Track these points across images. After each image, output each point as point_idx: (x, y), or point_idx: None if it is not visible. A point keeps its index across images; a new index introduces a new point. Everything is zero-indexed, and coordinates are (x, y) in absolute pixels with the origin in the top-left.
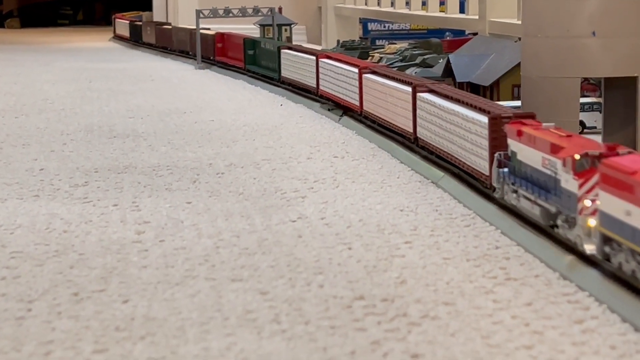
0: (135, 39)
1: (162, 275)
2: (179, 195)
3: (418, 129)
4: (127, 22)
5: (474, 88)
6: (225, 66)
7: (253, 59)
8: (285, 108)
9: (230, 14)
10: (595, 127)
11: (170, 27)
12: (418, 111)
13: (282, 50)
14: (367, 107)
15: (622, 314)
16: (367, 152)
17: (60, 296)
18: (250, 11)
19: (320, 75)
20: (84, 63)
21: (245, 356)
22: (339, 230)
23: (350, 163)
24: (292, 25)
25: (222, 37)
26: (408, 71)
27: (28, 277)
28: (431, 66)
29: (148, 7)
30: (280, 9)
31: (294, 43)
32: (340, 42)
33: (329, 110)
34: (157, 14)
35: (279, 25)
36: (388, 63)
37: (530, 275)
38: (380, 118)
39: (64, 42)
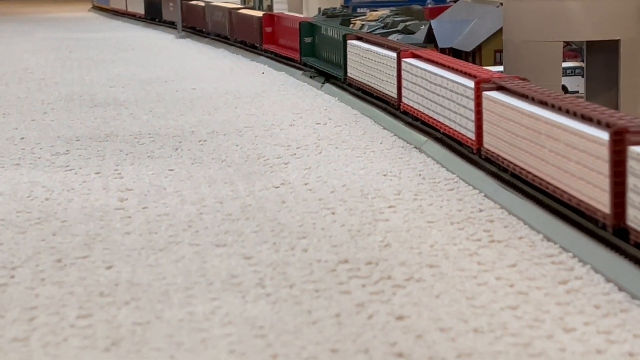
0: (152, 16)
1: (145, 241)
2: (161, 163)
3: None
4: None
5: (456, 54)
6: (275, 57)
7: (311, 50)
8: (267, 76)
9: None
10: (577, 92)
11: (202, 4)
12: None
13: (350, 42)
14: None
15: (606, 274)
16: (350, 119)
17: (43, 263)
18: None
19: (405, 82)
20: (63, 33)
21: (230, 320)
22: (323, 196)
23: (333, 129)
24: None
25: (271, 19)
26: (390, 37)
27: (10, 244)
28: (413, 32)
29: None
30: None
31: (275, 10)
32: (322, 10)
33: (311, 77)
34: None
35: None
36: (370, 30)
37: (514, 237)
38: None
39: (43, 12)
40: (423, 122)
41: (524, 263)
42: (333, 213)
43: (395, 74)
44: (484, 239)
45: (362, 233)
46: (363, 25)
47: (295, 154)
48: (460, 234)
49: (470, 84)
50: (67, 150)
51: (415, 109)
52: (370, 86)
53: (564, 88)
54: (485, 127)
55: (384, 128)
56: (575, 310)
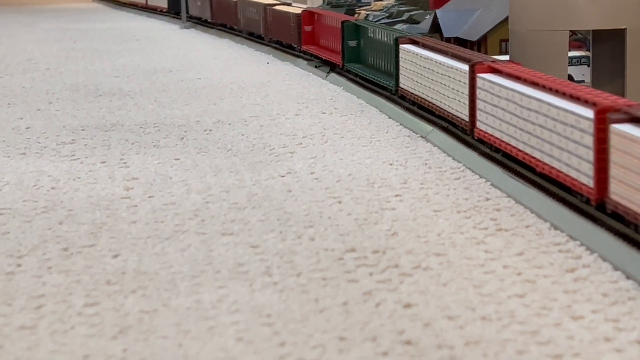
0: (177, 11)
1: (151, 230)
2: (167, 152)
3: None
4: None
5: (461, 43)
6: (314, 58)
7: (356, 54)
8: (272, 66)
9: None
10: (583, 81)
11: None
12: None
13: (403, 47)
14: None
15: (614, 262)
16: (355, 108)
17: (50, 251)
18: None
19: (481, 104)
20: (67, 24)
21: (237, 307)
22: (329, 185)
23: (339, 119)
24: None
25: (311, 16)
26: (396, 27)
27: (17, 232)
28: (418, 22)
29: None
30: None
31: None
32: (326, 0)
33: (316, 67)
34: None
35: None
36: (375, 20)
37: (521, 226)
38: None
39: (47, 3)
40: (508, 156)
41: (531, 251)
42: (339, 202)
43: (466, 91)
44: (491, 228)
45: (369, 222)
46: (368, 14)
47: (301, 144)
48: (467, 223)
49: (589, 113)
50: (73, 140)
51: (498, 139)
52: (429, 102)
53: (570, 77)
54: (612, 172)
55: (390, 117)
56: (583, 298)
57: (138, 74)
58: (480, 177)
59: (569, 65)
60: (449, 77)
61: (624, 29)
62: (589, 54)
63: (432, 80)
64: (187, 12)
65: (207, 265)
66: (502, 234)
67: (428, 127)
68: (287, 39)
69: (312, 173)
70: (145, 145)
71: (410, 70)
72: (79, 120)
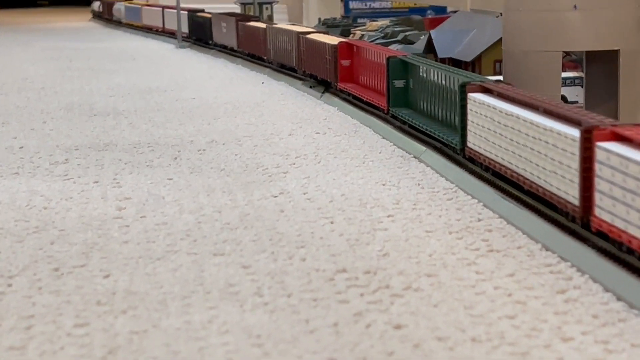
0: (198, 37)
1: (143, 250)
2: (160, 172)
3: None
4: (184, 12)
5: (456, 64)
6: (352, 100)
7: (404, 97)
8: (267, 86)
9: None
10: (577, 102)
11: (263, 25)
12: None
13: (472, 96)
14: None
15: (605, 283)
16: (349, 128)
17: (40, 271)
18: None
19: (601, 184)
20: (64, 42)
21: (227, 329)
22: (321, 205)
23: (332, 139)
24: (273, 4)
25: (349, 49)
26: (390, 47)
27: (8, 253)
28: (413, 43)
29: None
30: None
31: (274, 21)
32: (322, 20)
33: (310, 87)
34: None
35: (260, 4)
36: (370, 40)
37: (512, 247)
38: None
39: (43, 22)
40: None
41: (522, 272)
42: (332, 222)
43: (576, 165)
44: (483, 249)
45: (361, 242)
46: (363, 35)
47: (294, 164)
48: (458, 244)
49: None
50: (66, 160)
51: (631, 236)
52: (515, 173)
53: (564, 98)
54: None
55: (383, 137)
56: (573, 320)
57: (133, 93)
58: (473, 197)
59: (562, 86)
60: (545, 142)
61: (618, 51)
62: (582, 74)
63: (518, 144)
64: (210, 40)
65: (198, 285)
66: (493, 255)
67: (421, 148)
68: (323, 73)
69: (304, 193)
70: (138, 165)
71: (483, 127)
72: (73, 139)
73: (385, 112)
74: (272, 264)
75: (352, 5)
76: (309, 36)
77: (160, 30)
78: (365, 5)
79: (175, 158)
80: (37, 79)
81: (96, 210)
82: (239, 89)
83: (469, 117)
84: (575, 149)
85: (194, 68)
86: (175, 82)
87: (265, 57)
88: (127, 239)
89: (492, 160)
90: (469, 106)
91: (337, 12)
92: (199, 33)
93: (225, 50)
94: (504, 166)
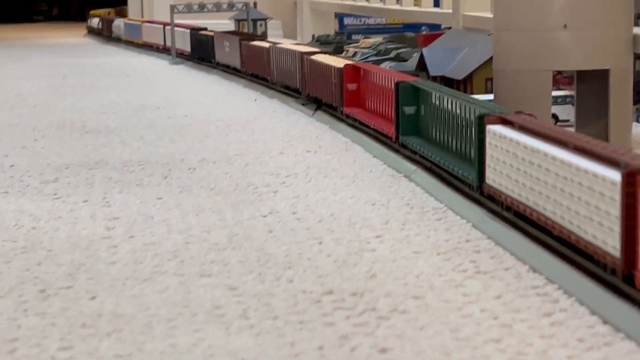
0: (200, 57)
1: (130, 271)
2: (150, 191)
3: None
4: (187, 30)
5: (447, 82)
6: (358, 123)
7: (414, 124)
8: (259, 103)
9: (205, 9)
10: (568, 120)
11: (267, 45)
12: None
13: (492, 128)
14: None
15: (591, 306)
16: (340, 147)
17: (26, 293)
18: (225, 6)
19: None
20: (58, 59)
21: (212, 352)
22: (310, 225)
23: (323, 157)
24: (267, 20)
25: (356, 72)
26: (382, 65)
27: None
28: (405, 60)
29: (123, 3)
30: (255, 4)
31: (269, 38)
32: (316, 36)
33: (302, 105)
34: (132, 10)
35: (254, 20)
36: (363, 57)
37: (500, 269)
38: None
39: (38, 37)
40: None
41: (509, 295)
42: (320, 243)
43: (616, 212)
44: (470, 270)
45: (348, 263)
46: (356, 52)
47: (284, 183)
48: (446, 265)
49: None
50: (56, 178)
51: None
52: (542, 216)
53: (555, 117)
54: None
55: (374, 156)
56: (558, 344)
57: (125, 111)
58: (462, 217)
59: (553, 105)
60: (579, 184)
61: (608, 70)
62: (573, 93)
63: (546, 184)
64: (213, 59)
65: (184, 307)
66: (481, 276)
67: (411, 167)
68: (328, 97)
69: (294, 213)
70: (128, 184)
71: (504, 162)
72: (64, 158)
73: (394, 140)
74: (259, 285)
75: (346, 21)
76: (313, 57)
77: (161, 47)
78: (360, 21)
79: (166, 177)
80: (30, 96)
81: (85, 230)
82: (232, 106)
83: (488, 151)
84: (616, 194)
85: (187, 85)
86: (168, 99)
87: (268, 78)
88: (115, 259)
89: (516, 200)
90: (487, 139)
91: (331, 28)
92: (202, 52)
93: (228, 70)
94: (529, 207)
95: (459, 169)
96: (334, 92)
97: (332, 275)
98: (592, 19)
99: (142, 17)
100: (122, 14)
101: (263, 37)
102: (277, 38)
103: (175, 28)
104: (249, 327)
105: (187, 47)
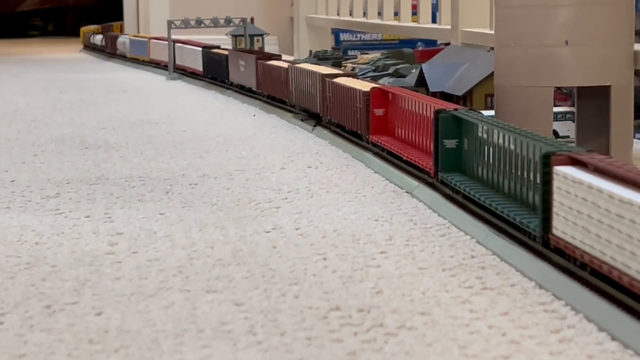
0: (213, 76)
1: (135, 287)
2: (152, 206)
3: None
4: (199, 48)
5: (447, 97)
6: (386, 153)
7: (456, 159)
8: (258, 118)
9: (202, 25)
10: (568, 137)
11: (285, 65)
12: None
13: (560, 170)
14: None
15: (599, 323)
16: (341, 162)
17: (32, 309)
18: (222, 21)
19: None
20: (54, 74)
21: None
22: (314, 241)
23: (324, 173)
24: (264, 36)
25: (384, 96)
26: (381, 81)
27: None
28: (404, 76)
29: (118, 18)
30: (252, 20)
31: (266, 50)
32: (313, 52)
33: (302, 120)
34: (128, 25)
35: (251, 36)
36: (361, 73)
37: (506, 285)
38: None
39: (34, 52)
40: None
41: (517, 311)
42: (324, 259)
43: None
44: (476, 286)
45: (354, 279)
46: (354, 67)
47: (286, 198)
48: (452, 281)
49: None
50: (57, 194)
51: None
52: (634, 280)
53: (555, 133)
54: None
55: (375, 172)
56: None
57: (124, 126)
58: (466, 234)
59: (554, 121)
60: None
61: (609, 86)
62: (574, 109)
63: (631, 238)
64: (226, 78)
65: (190, 323)
66: (487, 292)
67: (414, 183)
68: (352, 123)
69: (297, 229)
70: (130, 199)
71: (578, 212)
72: (64, 173)
73: (432, 176)
74: (265, 301)
75: (342, 37)
76: (336, 80)
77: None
78: (356, 37)
79: (167, 192)
80: (28, 111)
81: (88, 245)
82: (230, 121)
83: (556, 197)
84: None
85: (185, 100)
86: (167, 114)
87: (287, 101)
88: (119, 275)
89: (594, 257)
90: (555, 183)
91: (328, 44)
92: (215, 71)
93: (242, 91)
94: (614, 268)
95: (516, 214)
96: (359, 118)
97: (338, 291)
98: (593, 35)
99: (138, 32)
100: (108, 30)
101: (280, 56)
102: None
103: (186, 46)
104: (256, 343)
105: (198, 66)
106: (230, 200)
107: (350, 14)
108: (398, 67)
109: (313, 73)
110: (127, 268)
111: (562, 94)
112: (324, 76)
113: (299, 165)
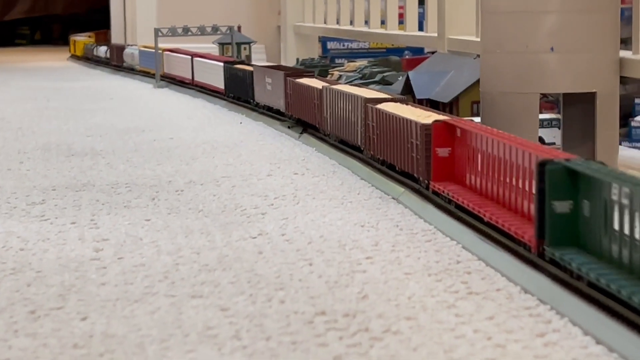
0: (237, 94)
1: (121, 292)
2: (137, 213)
3: None
4: (220, 63)
5: (433, 104)
6: (460, 211)
7: (571, 229)
8: (245, 125)
9: (189, 33)
10: (554, 143)
11: (320, 86)
12: None
13: None
14: None
15: (584, 327)
16: (328, 169)
17: (17, 314)
18: (209, 29)
19: None
20: (41, 82)
21: None
22: (300, 247)
23: (311, 180)
24: (251, 44)
25: (449, 131)
26: (369, 88)
27: None
28: (391, 83)
29: (106, 26)
30: (239, 28)
31: (253, 62)
32: (300, 60)
33: (288, 127)
34: (115, 34)
35: (238, 44)
36: (348, 81)
37: (491, 289)
38: None
39: (21, 61)
40: None
41: (502, 315)
42: (310, 264)
43: None
44: (462, 291)
45: (340, 284)
46: (341, 75)
47: (272, 204)
48: (437, 286)
49: None
50: (43, 200)
51: None
52: None
53: (541, 140)
54: None
55: (362, 179)
56: None
57: (111, 133)
58: (452, 239)
59: (540, 128)
60: None
61: (594, 93)
62: (559, 116)
63: None
64: (251, 97)
65: (176, 328)
66: (472, 297)
67: (400, 189)
68: (405, 164)
69: (283, 234)
70: (116, 205)
71: None
72: (50, 180)
73: (535, 250)
74: (251, 306)
75: (329, 45)
76: (381, 107)
77: (189, 82)
78: (343, 45)
79: (153, 199)
80: (15, 119)
81: (73, 251)
82: (218, 128)
83: None
84: None
85: (172, 108)
86: (154, 122)
87: (319, 127)
88: (105, 280)
89: None
90: None
91: (315, 52)
92: (237, 90)
93: (270, 112)
94: None
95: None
96: (416, 158)
97: (324, 296)
98: (579, 42)
99: (125, 41)
100: (102, 37)
101: (312, 73)
102: (260, 62)
103: (206, 60)
104: (241, 347)
105: (219, 84)
106: (217, 206)
107: (338, 22)
108: (385, 74)
109: (353, 96)
110: (112, 273)
111: (548, 102)
112: (367, 101)
113: (286, 172)
